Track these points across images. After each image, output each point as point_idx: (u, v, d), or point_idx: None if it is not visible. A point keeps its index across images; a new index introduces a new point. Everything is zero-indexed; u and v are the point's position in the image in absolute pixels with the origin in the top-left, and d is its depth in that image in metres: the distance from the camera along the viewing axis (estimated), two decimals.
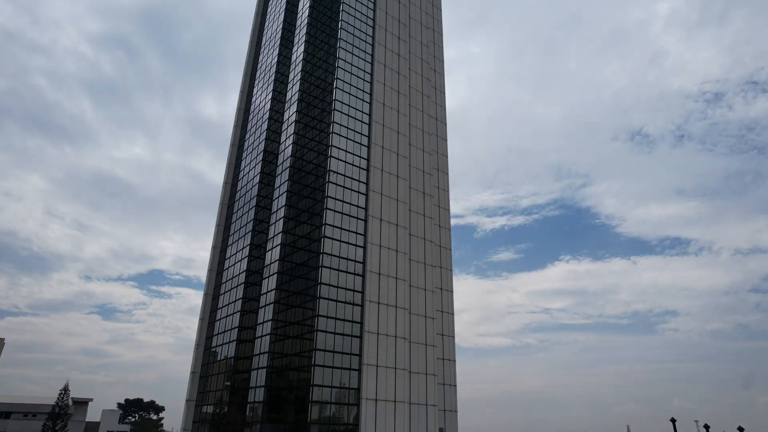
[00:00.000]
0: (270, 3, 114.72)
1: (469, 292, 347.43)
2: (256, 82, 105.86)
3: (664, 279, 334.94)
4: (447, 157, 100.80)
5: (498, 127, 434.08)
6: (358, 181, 78.87)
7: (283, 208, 77.03)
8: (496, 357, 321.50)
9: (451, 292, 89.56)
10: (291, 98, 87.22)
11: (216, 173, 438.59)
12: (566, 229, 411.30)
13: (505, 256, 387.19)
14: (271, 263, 75.78)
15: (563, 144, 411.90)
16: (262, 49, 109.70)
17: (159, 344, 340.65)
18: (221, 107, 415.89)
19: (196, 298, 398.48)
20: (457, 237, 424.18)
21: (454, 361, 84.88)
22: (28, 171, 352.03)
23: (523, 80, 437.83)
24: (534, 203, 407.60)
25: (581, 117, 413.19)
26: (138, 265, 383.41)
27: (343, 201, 75.72)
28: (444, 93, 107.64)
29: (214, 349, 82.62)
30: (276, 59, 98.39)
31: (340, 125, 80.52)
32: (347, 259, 73.16)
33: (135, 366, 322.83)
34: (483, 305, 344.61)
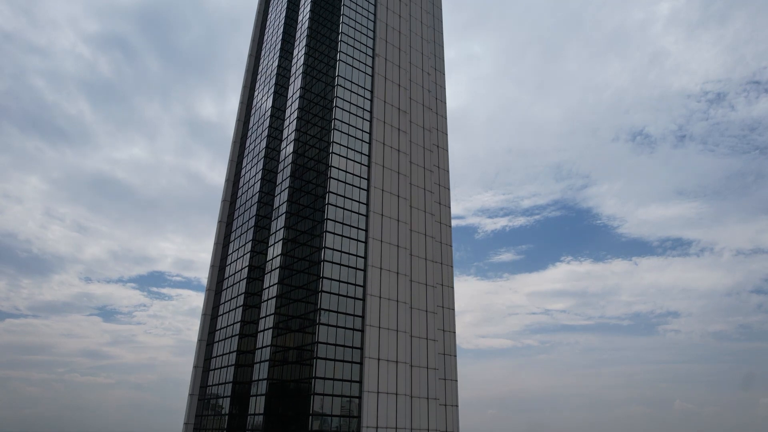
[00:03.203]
0: (271, 2, 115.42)
1: (469, 294, 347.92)
2: (258, 77, 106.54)
3: (666, 280, 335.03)
4: (447, 152, 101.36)
5: (498, 128, 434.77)
6: (360, 177, 79.46)
7: (285, 204, 77.62)
8: (497, 358, 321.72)
9: (452, 287, 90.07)
10: (292, 95, 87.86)
11: (215, 174, 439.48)
12: (567, 230, 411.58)
13: (506, 257, 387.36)
14: (273, 258, 76.38)
15: (564, 144, 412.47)
16: (263, 46, 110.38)
17: (160, 346, 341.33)
18: (220, 108, 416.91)
19: (196, 300, 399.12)
20: (458, 238, 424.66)
21: (455, 356, 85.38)
22: (28, 172, 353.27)
23: (524, 80, 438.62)
24: (535, 204, 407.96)
25: (582, 117, 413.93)
26: (138, 266, 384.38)
27: (344, 197, 76.32)
28: (444, 88, 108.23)
29: (216, 344, 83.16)
30: (278, 54, 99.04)
31: (342, 122, 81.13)
32: (349, 254, 73.72)
33: (136, 367, 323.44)
34: (484, 306, 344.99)
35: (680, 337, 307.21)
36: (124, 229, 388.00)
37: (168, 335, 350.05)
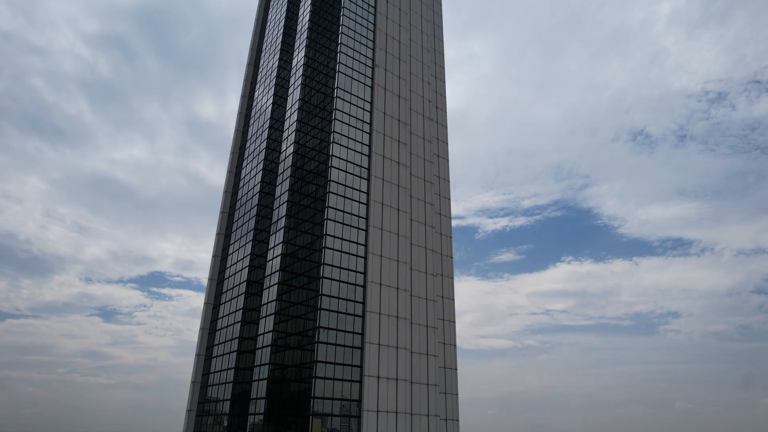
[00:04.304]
0: (270, 10, 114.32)
1: (470, 294, 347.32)
2: (257, 86, 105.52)
3: (666, 280, 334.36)
4: (448, 161, 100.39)
5: (498, 128, 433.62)
6: (359, 191, 78.55)
7: (284, 218, 76.74)
8: (498, 358, 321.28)
9: (453, 300, 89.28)
10: (291, 106, 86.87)
11: (215, 175, 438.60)
12: (568, 230, 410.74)
13: (506, 257, 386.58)
14: (271, 273, 75.53)
15: (564, 144, 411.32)
16: (262, 55, 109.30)
17: (160, 346, 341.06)
18: (220, 108, 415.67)
19: (196, 300, 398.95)
20: (458, 238, 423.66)
21: (456, 369, 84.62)
22: (27, 173, 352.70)
23: (524, 80, 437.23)
24: (535, 204, 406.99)
25: (582, 117, 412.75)
26: (138, 267, 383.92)
27: (344, 211, 75.44)
28: (445, 97, 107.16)
29: (214, 359, 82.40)
30: (276, 64, 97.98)
31: (341, 135, 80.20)
32: (348, 269, 72.88)
33: (136, 368, 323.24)
34: (484, 306, 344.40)
35: (680, 338, 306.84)
36: (124, 229, 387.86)
37: (168, 335, 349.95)
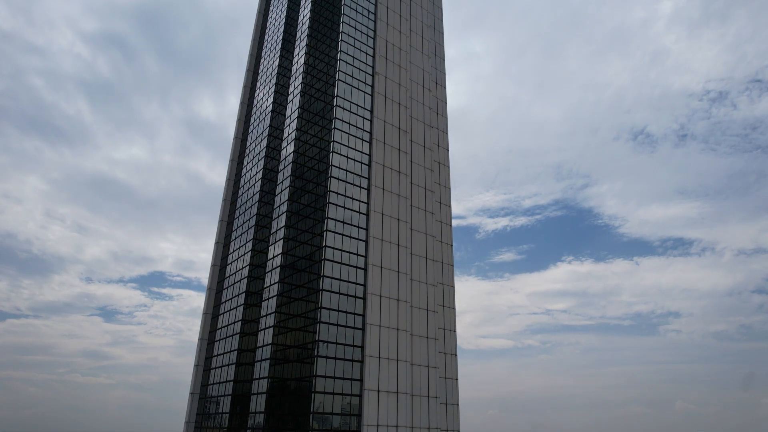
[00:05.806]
0: (269, 15, 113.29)
1: (470, 294, 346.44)
2: (256, 93, 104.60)
3: (667, 280, 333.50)
4: (449, 167, 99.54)
5: (498, 127, 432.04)
6: (359, 200, 77.71)
7: (283, 228, 75.97)
8: (498, 358, 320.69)
9: (453, 309, 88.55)
10: (291, 114, 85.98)
11: (215, 175, 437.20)
12: (568, 230, 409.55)
13: (506, 257, 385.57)
14: (270, 285, 74.82)
15: (564, 144, 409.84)
16: (261, 62, 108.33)
17: (160, 346, 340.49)
18: (219, 108, 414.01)
19: (197, 300, 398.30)
20: (459, 238, 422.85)
21: (457, 379, 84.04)
22: (27, 173, 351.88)
23: (524, 80, 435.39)
24: (536, 204, 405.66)
25: (582, 117, 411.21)
26: (138, 266, 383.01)
27: (343, 222, 74.66)
28: (445, 102, 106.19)
29: (213, 371, 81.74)
30: (276, 71, 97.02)
31: (341, 144, 79.34)
32: (348, 281, 72.14)
33: (136, 368, 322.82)
34: (484, 306, 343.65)
35: (681, 338, 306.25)
36: (123, 229, 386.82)
37: (169, 335, 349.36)
